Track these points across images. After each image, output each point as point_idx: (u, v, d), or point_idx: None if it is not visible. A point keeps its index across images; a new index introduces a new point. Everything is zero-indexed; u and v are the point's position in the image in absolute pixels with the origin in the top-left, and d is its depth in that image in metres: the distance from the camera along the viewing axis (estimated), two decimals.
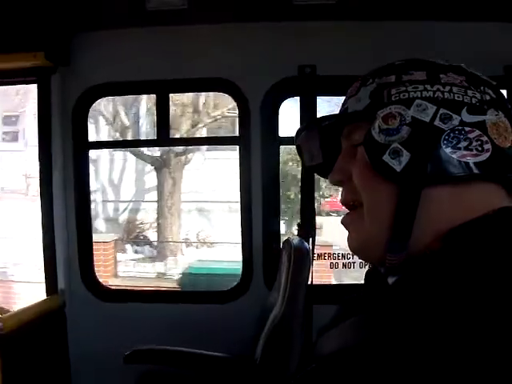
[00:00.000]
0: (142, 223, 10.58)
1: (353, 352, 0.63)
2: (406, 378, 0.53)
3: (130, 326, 2.52)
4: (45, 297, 2.63)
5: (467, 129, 0.69)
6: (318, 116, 2.55)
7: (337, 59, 2.38)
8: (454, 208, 0.69)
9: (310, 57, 2.44)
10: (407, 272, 0.70)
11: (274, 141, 2.56)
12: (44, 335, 2.49)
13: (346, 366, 0.62)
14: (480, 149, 0.68)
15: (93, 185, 10.73)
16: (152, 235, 10.37)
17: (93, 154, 10.17)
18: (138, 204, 10.66)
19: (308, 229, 2.33)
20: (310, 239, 2.28)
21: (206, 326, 2.45)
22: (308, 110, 2.46)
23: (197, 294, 2.90)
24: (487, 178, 0.70)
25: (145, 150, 8.85)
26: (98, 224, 10.11)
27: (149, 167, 9.95)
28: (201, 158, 9.38)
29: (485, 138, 0.68)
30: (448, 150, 0.68)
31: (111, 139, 9.96)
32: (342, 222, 0.81)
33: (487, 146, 0.68)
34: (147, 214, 10.35)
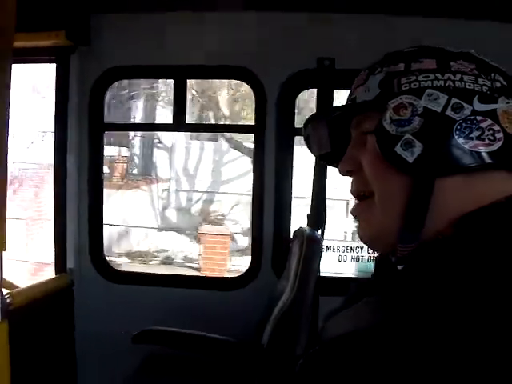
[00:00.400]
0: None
1: (366, 334, 0.63)
2: (421, 360, 0.53)
3: (138, 308, 2.54)
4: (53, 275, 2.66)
5: (479, 118, 0.68)
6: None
7: (356, 53, 2.37)
8: (467, 197, 0.69)
9: (329, 49, 2.43)
10: (418, 257, 0.70)
11: (289, 131, 2.56)
12: (51, 313, 2.52)
13: (356, 348, 0.62)
14: (492, 138, 0.68)
15: (167, 173, 10.77)
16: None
17: (168, 141, 10.29)
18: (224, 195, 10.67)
19: (318, 219, 2.34)
20: (320, 230, 2.30)
21: (214, 312, 2.47)
22: (325, 102, 2.46)
23: (206, 279, 2.92)
24: (499, 167, 0.69)
25: (244, 142, 8.88)
26: (172, 214, 10.06)
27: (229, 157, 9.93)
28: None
29: (497, 127, 0.68)
30: (460, 141, 0.68)
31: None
32: (351, 213, 0.81)
33: (499, 135, 0.68)
34: (239, 206, 10.30)
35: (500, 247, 0.61)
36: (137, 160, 11.47)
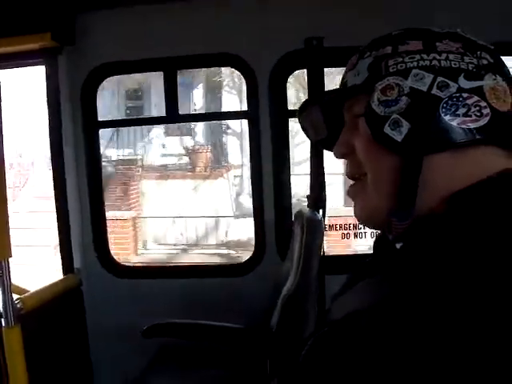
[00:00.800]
0: None
1: (369, 313, 0.64)
2: (423, 337, 0.54)
3: (147, 301, 2.57)
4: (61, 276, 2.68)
5: (465, 95, 0.69)
6: (325, 88, 2.55)
7: (344, 30, 2.36)
8: (457, 173, 0.71)
9: (316, 29, 2.42)
10: (414, 235, 0.72)
11: (282, 114, 2.56)
12: (63, 313, 2.55)
13: (361, 327, 0.63)
14: (479, 114, 0.69)
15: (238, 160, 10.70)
16: None
17: (237, 127, 10.33)
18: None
19: (318, 200, 2.35)
20: (321, 210, 2.31)
21: (222, 299, 2.49)
22: (316, 82, 2.45)
23: (211, 267, 2.94)
24: (488, 142, 0.71)
25: None
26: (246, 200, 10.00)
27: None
28: None
29: (483, 103, 0.69)
30: (447, 118, 0.69)
31: None
32: (347, 194, 0.83)
33: (486, 111, 0.69)
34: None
35: (492, 222, 0.62)
36: (213, 148, 11.47)
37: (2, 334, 2.00)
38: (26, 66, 2.63)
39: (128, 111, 11.79)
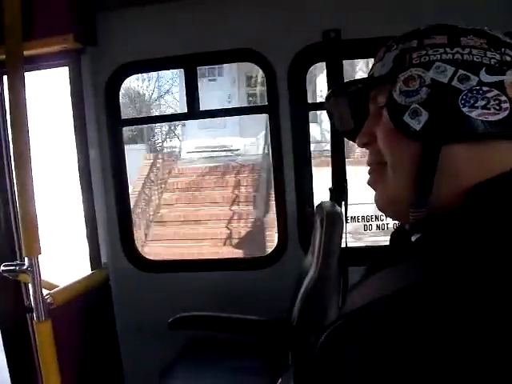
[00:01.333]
0: None
1: (387, 302, 0.66)
2: (452, 326, 0.54)
3: (173, 295, 2.62)
4: (89, 271, 2.75)
5: (485, 88, 0.71)
6: (344, 80, 2.55)
7: (361, 22, 2.35)
8: (474, 165, 0.72)
9: (334, 21, 2.42)
10: (430, 228, 0.74)
11: (302, 107, 2.57)
12: (91, 308, 2.62)
13: (380, 317, 0.64)
14: (498, 108, 0.70)
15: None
16: None
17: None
18: None
19: (340, 192, 2.36)
20: (343, 203, 2.32)
21: (246, 292, 2.52)
22: (334, 74, 2.46)
23: (235, 260, 2.97)
24: (506, 137, 0.72)
25: None
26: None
27: None
28: None
29: (503, 98, 0.70)
30: (465, 110, 0.70)
31: None
32: (367, 183, 0.85)
33: (505, 105, 0.70)
34: None
35: (504, 216, 0.63)
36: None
37: (34, 328, 2.07)
38: (49, 68, 2.68)
39: (250, 98, 11.68)
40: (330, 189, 2.47)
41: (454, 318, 0.54)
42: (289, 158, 2.57)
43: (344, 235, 2.01)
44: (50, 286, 2.37)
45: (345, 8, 2.40)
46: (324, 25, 2.42)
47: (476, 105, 0.70)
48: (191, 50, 2.59)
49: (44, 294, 2.06)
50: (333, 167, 2.50)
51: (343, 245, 2.01)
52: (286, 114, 2.55)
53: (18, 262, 2.05)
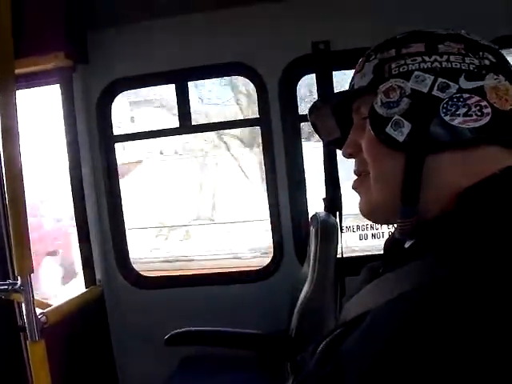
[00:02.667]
0: None
1: (377, 311, 0.65)
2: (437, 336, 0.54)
3: (168, 311, 2.59)
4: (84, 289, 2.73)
5: (465, 95, 0.71)
6: (335, 91, 2.56)
7: (350, 33, 2.37)
8: (461, 172, 0.72)
9: (323, 33, 2.44)
10: (424, 233, 0.73)
11: (294, 119, 2.57)
12: (86, 325, 2.59)
13: (377, 326, 0.63)
14: (479, 113, 0.70)
15: None
16: None
17: None
18: None
19: (334, 202, 2.35)
20: (337, 213, 2.31)
21: (242, 306, 2.50)
22: (325, 86, 2.47)
23: (230, 274, 2.95)
24: (490, 141, 0.72)
25: None
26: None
27: None
28: None
29: (484, 103, 0.71)
30: (447, 118, 0.71)
31: None
32: (352, 187, 0.85)
33: (487, 111, 0.71)
34: None
35: (500, 218, 0.63)
36: None
37: (27, 348, 2.04)
38: (40, 86, 2.68)
39: None
40: (323, 199, 2.47)
41: (461, 322, 0.53)
42: (282, 169, 2.56)
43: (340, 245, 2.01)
44: (44, 305, 2.35)
45: (334, 19, 2.41)
46: (313, 36, 2.44)
47: (457, 112, 0.71)
48: (181, 66, 2.60)
49: (37, 313, 2.03)
50: (326, 177, 2.49)
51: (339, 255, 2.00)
52: (277, 126, 2.55)
53: (11, 281, 2.03)
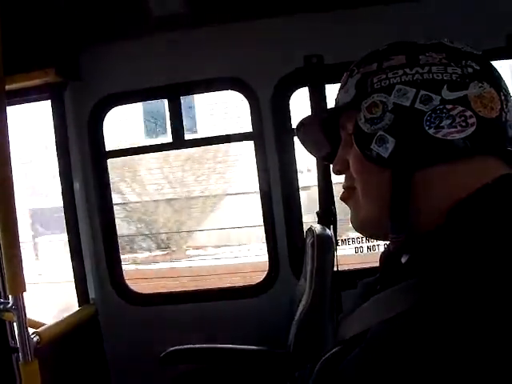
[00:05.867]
0: None
1: (375, 330, 0.64)
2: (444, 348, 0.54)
3: (163, 328, 2.56)
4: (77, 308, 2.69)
5: (449, 106, 0.70)
6: (328, 105, 2.56)
7: (342, 46, 2.38)
8: (450, 184, 0.71)
9: (315, 46, 2.44)
10: (417, 248, 0.72)
11: (287, 133, 2.57)
12: (80, 344, 2.55)
13: (370, 345, 0.63)
14: (464, 124, 0.69)
15: None
16: None
17: None
18: None
19: (328, 216, 2.34)
20: (332, 226, 2.30)
21: (238, 322, 2.48)
22: (317, 99, 2.47)
23: (226, 290, 2.93)
24: (479, 152, 0.70)
25: None
26: None
27: None
28: None
29: (468, 113, 0.69)
30: (431, 131, 0.69)
31: None
32: (340, 198, 0.84)
33: (472, 120, 0.69)
34: None
35: (494, 229, 0.62)
36: None
37: (20, 369, 1.99)
38: (32, 102, 2.66)
39: None
40: (317, 212, 2.46)
41: (455, 341, 0.53)
42: (276, 184, 2.55)
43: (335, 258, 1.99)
44: (36, 325, 2.31)
45: (326, 33, 2.42)
46: (306, 51, 2.44)
47: (441, 125, 0.69)
48: (174, 80, 2.59)
49: (30, 333, 1.99)
50: (320, 190, 2.48)
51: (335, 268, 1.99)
52: (271, 140, 2.55)
53: (2, 300, 1.99)
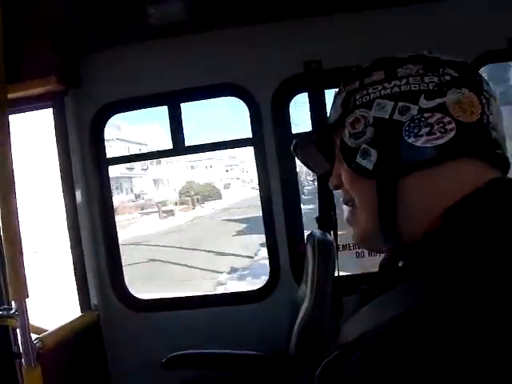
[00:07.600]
0: None
1: (373, 333, 0.64)
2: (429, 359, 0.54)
3: (165, 333, 2.57)
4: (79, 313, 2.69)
5: (426, 115, 0.72)
6: (328, 109, 2.57)
7: (342, 51, 2.39)
8: (438, 190, 0.73)
9: (314, 52, 2.46)
10: (413, 253, 0.74)
11: (287, 138, 2.58)
12: (82, 350, 2.55)
13: (369, 348, 0.63)
14: (443, 130, 0.71)
15: None
16: None
17: None
18: None
19: (328, 221, 2.35)
20: (332, 231, 2.30)
21: (240, 327, 2.48)
22: (317, 104, 2.48)
23: (227, 296, 2.94)
24: (461, 155, 0.72)
25: None
26: None
27: None
28: None
29: (447, 119, 0.71)
30: (411, 140, 0.72)
31: None
32: (346, 221, 0.87)
33: (450, 126, 0.71)
34: None
35: (489, 232, 0.63)
36: None
37: (23, 374, 2.00)
38: (33, 110, 2.68)
39: None
40: (316, 218, 2.46)
41: (455, 341, 0.53)
42: (277, 189, 2.56)
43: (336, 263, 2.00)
44: (39, 330, 2.31)
45: (325, 38, 2.44)
46: (305, 56, 2.46)
47: (420, 133, 0.72)
48: (174, 87, 2.61)
49: (33, 339, 2.00)
50: (319, 196, 2.49)
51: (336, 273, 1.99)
52: (271, 145, 2.56)
53: (5, 306, 2.01)
